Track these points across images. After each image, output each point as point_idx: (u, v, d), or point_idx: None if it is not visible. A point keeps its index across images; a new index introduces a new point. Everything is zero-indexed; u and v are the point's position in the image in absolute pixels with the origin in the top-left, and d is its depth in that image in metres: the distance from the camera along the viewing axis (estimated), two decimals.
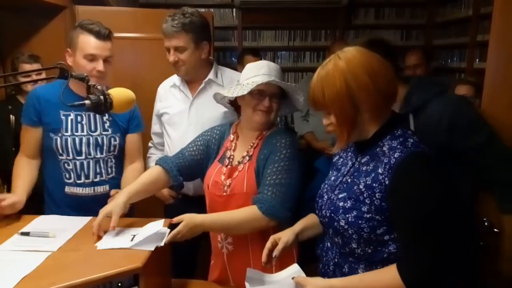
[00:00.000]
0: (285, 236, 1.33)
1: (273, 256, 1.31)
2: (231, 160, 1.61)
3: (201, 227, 1.41)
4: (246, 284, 1.23)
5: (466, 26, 3.37)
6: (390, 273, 1.07)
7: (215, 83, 1.99)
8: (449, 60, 3.71)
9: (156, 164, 1.70)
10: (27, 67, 2.57)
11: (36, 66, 2.58)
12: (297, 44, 4.15)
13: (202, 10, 3.97)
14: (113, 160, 1.87)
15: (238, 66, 3.54)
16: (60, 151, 1.76)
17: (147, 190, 1.62)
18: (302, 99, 1.58)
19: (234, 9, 4.04)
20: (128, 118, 1.88)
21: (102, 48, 1.73)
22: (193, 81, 2.01)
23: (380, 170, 1.10)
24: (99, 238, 1.38)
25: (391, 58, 2.02)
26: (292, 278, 1.21)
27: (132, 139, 1.92)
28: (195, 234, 1.40)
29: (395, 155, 1.08)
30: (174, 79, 2.06)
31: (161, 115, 2.07)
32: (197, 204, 2.03)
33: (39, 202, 1.85)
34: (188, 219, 1.38)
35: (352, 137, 1.15)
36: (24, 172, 1.75)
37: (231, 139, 1.66)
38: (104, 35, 1.74)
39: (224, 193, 1.56)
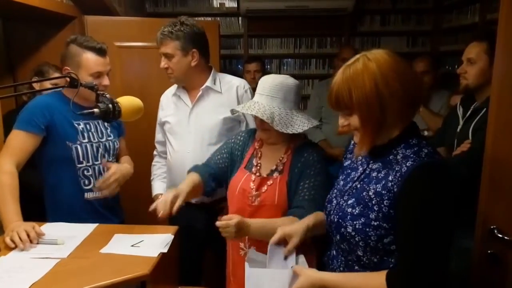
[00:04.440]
0: (296, 237, 1.28)
1: (283, 258, 1.28)
2: (258, 168, 1.61)
3: (248, 229, 1.38)
4: (246, 264, 1.22)
5: (472, 33, 3.36)
6: (378, 279, 1.06)
7: (213, 90, 2.01)
8: (456, 66, 3.69)
9: (190, 171, 1.69)
10: (56, 75, 2.57)
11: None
12: (303, 51, 4.17)
13: (209, 18, 4.02)
14: (115, 162, 1.96)
15: (244, 73, 3.56)
16: (81, 159, 1.79)
17: (193, 192, 1.58)
18: (296, 127, 1.53)
19: (240, 18, 4.07)
20: (119, 123, 1.98)
21: (105, 63, 1.80)
22: (191, 88, 2.03)
23: (390, 178, 1.09)
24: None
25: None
26: (292, 267, 1.19)
27: (123, 140, 2.06)
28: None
29: (407, 164, 1.06)
30: (175, 87, 2.08)
31: (163, 123, 2.10)
32: (201, 211, 2.04)
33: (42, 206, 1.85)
34: None
35: (376, 140, 1.12)
36: (15, 191, 1.59)
37: (256, 147, 1.66)
38: (104, 51, 1.79)
39: (253, 203, 1.55)
